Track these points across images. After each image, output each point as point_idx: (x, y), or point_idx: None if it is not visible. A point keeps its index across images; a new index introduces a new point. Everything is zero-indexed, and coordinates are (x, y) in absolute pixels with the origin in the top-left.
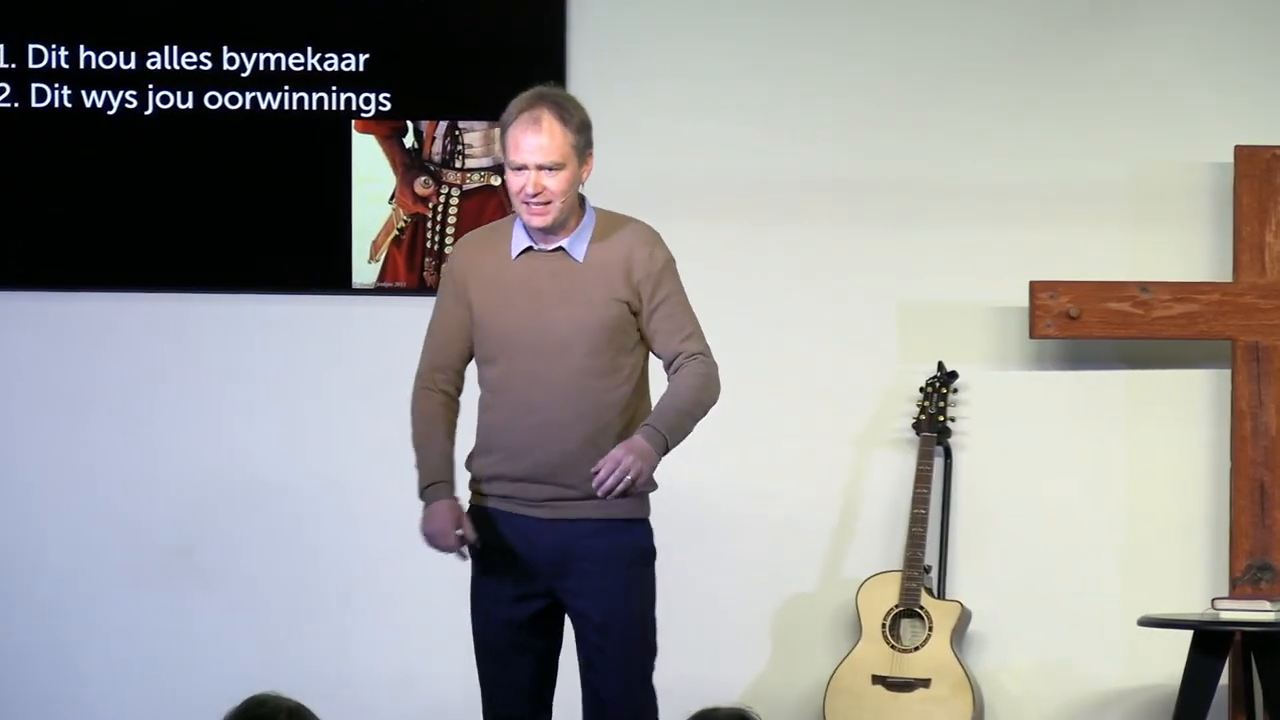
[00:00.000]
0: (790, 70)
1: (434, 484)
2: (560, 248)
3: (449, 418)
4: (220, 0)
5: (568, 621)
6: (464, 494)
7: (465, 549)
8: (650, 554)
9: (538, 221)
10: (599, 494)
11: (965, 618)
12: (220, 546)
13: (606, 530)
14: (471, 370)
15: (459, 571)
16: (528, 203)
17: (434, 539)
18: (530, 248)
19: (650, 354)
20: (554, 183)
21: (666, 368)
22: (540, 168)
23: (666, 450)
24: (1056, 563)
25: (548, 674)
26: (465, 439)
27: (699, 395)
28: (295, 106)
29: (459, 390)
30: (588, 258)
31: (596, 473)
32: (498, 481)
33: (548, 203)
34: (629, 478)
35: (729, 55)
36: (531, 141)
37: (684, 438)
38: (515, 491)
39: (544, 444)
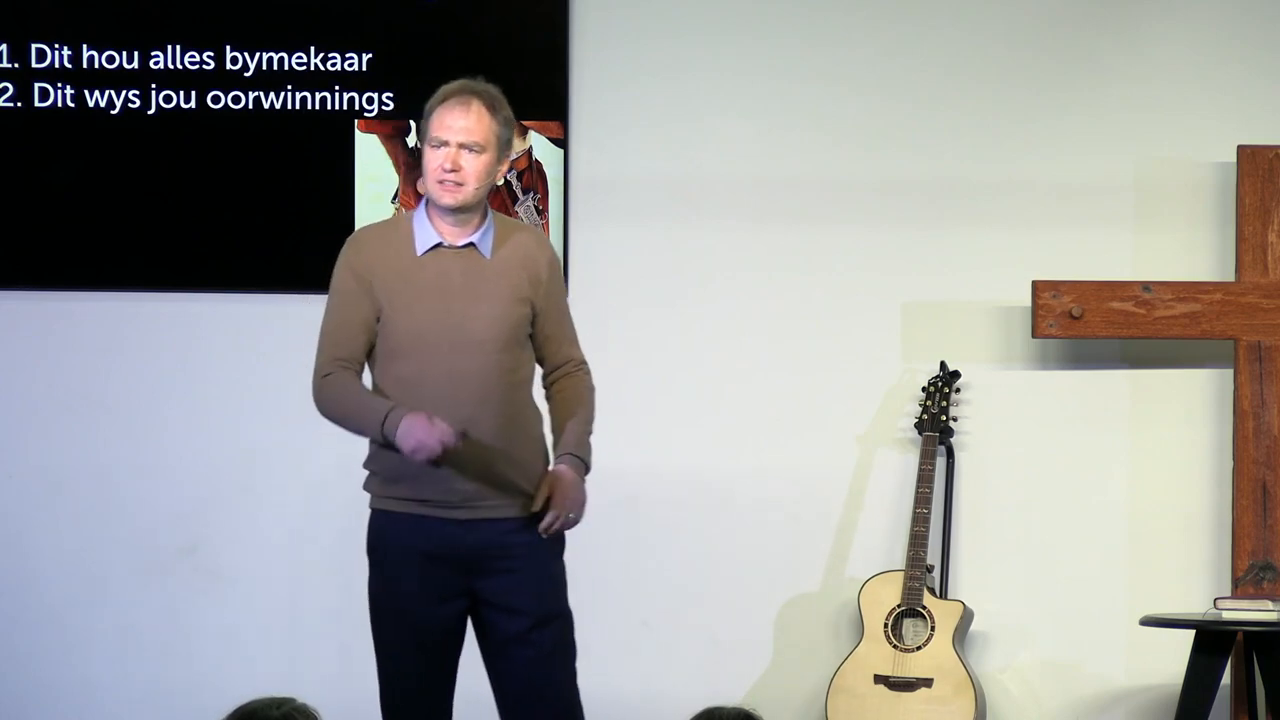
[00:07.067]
0: (793, 71)
1: (391, 410)
2: (471, 244)
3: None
4: (223, 0)
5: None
6: (361, 496)
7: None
8: (564, 546)
9: (448, 199)
10: (543, 533)
11: (967, 617)
12: (224, 545)
13: (528, 526)
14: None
15: None
16: (443, 180)
17: (421, 450)
18: (440, 244)
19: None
20: (472, 164)
21: (550, 371)
22: (462, 146)
23: None
24: (1059, 562)
25: (454, 680)
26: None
27: (593, 413)
28: (298, 106)
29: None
30: (494, 256)
31: (542, 510)
32: (409, 482)
33: (462, 184)
34: (573, 517)
35: (731, 57)
36: (458, 121)
37: None
38: (432, 494)
39: (472, 440)
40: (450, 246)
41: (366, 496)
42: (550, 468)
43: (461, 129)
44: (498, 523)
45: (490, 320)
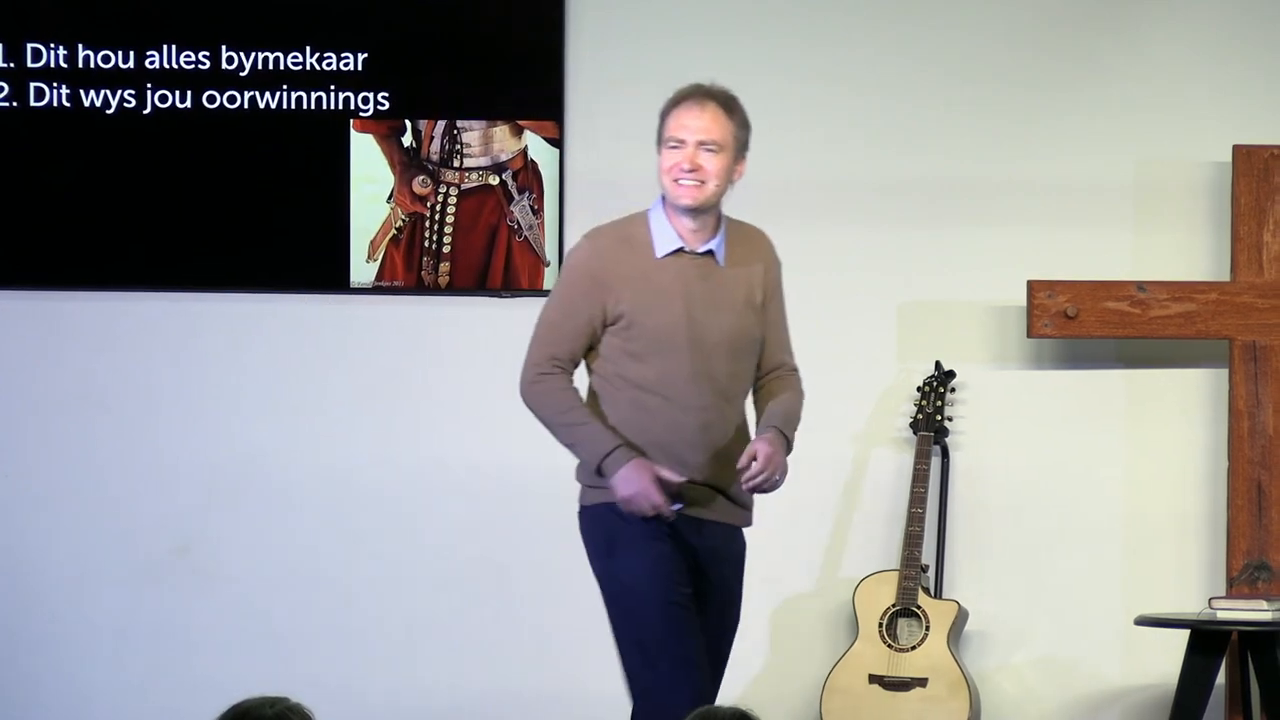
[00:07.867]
0: (789, 71)
1: (616, 448)
2: (710, 250)
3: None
4: (219, 0)
5: None
6: (356, 496)
7: (672, 505)
8: None
9: (687, 199)
10: (747, 485)
11: (962, 617)
12: (218, 546)
13: (738, 536)
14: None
15: (457, 572)
16: (680, 179)
17: (637, 501)
18: (681, 249)
19: None
20: (710, 163)
21: (762, 375)
22: (700, 145)
23: None
24: (1053, 562)
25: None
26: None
27: (801, 412)
28: (293, 106)
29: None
30: (728, 262)
31: (748, 464)
32: None
33: (701, 182)
34: (776, 479)
35: (728, 56)
36: (695, 121)
37: None
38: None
39: (707, 445)
40: (690, 252)
41: (362, 497)
42: (757, 435)
43: (698, 128)
44: (720, 527)
45: (727, 328)
